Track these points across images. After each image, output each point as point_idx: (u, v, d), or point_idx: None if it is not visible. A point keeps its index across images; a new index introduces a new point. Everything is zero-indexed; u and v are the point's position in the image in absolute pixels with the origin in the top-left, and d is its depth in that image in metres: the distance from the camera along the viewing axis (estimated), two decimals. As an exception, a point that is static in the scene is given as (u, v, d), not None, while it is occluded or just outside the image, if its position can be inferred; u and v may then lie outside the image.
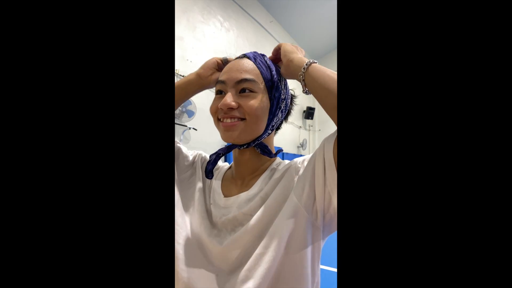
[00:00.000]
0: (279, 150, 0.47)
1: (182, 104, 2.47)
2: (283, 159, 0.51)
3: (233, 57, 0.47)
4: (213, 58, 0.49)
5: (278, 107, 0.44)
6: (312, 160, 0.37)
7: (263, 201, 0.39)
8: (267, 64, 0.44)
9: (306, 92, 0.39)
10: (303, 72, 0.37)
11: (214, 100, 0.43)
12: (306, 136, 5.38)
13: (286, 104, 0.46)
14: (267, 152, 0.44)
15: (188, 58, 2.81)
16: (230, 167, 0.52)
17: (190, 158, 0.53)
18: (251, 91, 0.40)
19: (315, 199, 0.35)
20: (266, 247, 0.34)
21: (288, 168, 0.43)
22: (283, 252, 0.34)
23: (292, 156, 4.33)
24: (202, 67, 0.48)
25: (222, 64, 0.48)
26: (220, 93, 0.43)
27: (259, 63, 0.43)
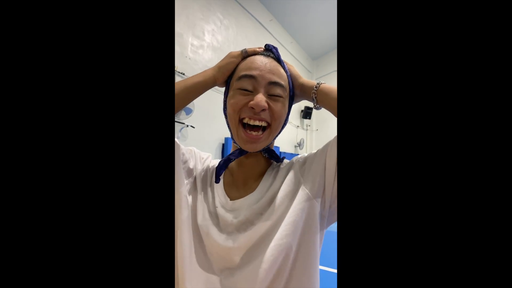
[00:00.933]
0: (283, 157, 0.49)
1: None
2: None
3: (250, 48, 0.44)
4: (231, 59, 0.43)
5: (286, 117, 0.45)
6: (322, 156, 0.40)
7: (272, 199, 0.41)
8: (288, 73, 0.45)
9: (317, 108, 0.44)
10: (315, 91, 0.43)
11: (238, 95, 0.40)
12: (303, 136, 5.39)
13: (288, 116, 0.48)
14: (274, 157, 0.46)
15: (187, 55, 2.79)
16: (227, 168, 0.50)
17: (191, 161, 0.48)
18: (280, 96, 0.40)
19: (324, 190, 0.39)
20: (282, 238, 0.36)
21: (291, 165, 0.45)
22: (298, 241, 0.37)
23: (289, 155, 4.34)
24: (220, 70, 0.44)
25: (242, 59, 0.44)
26: (246, 90, 0.39)
27: (287, 70, 0.44)
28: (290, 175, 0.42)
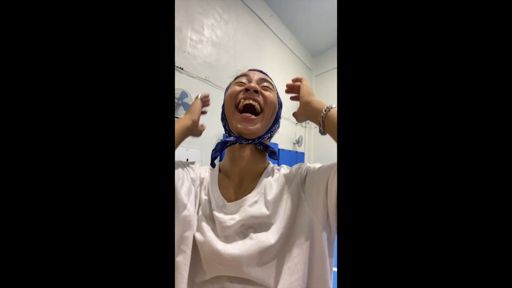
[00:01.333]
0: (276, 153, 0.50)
1: (179, 97, 2.44)
2: (279, 155, 0.53)
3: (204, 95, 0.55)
4: (196, 102, 0.53)
5: (277, 118, 0.51)
6: (323, 180, 0.38)
7: (273, 206, 0.41)
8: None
9: (323, 133, 0.41)
10: (324, 115, 0.40)
11: (235, 86, 0.48)
12: (302, 133, 5.40)
13: (279, 120, 0.54)
14: (268, 148, 0.48)
15: (186, 50, 2.76)
16: (220, 170, 0.51)
17: (186, 177, 0.47)
18: (270, 88, 0.50)
19: (328, 215, 0.37)
20: (294, 259, 0.36)
21: (292, 176, 0.45)
22: (308, 264, 0.37)
23: (288, 153, 4.34)
24: (192, 112, 0.51)
25: (205, 101, 0.55)
26: (242, 82, 0.49)
27: (270, 79, 0.52)
28: (293, 187, 0.42)
